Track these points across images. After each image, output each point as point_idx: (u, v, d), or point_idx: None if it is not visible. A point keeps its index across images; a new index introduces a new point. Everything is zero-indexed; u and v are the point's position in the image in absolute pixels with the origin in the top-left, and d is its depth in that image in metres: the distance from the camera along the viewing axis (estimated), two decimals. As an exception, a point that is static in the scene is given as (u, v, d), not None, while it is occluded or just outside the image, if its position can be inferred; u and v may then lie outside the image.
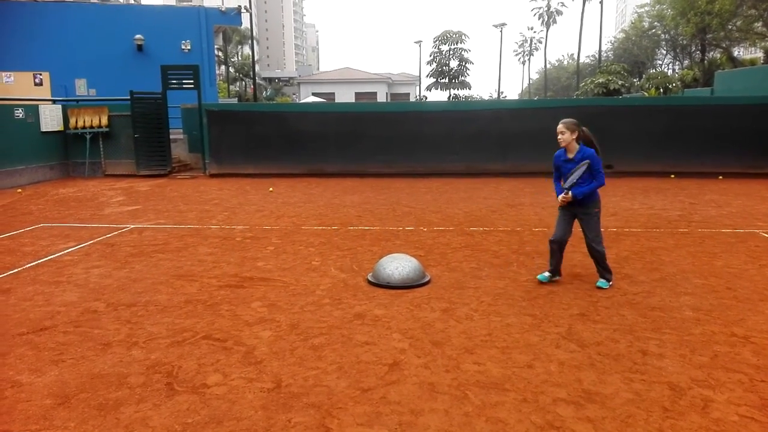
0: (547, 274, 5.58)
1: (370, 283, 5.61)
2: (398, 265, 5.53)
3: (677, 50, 54.37)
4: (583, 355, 3.93)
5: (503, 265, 6.27)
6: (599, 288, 5.38)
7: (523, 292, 5.32)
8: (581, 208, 5.37)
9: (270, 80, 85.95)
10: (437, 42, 57.11)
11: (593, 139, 5.37)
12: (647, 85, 40.99)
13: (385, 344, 4.15)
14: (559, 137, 5.26)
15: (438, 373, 3.68)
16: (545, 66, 77.91)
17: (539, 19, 74.31)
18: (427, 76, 59.10)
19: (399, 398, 3.36)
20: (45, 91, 20.43)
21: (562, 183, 5.35)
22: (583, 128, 5.34)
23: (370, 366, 3.79)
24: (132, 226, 8.63)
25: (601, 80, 39.85)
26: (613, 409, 3.21)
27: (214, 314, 4.81)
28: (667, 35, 53.57)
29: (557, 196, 5.37)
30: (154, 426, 3.09)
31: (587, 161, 5.20)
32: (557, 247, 5.46)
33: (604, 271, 5.48)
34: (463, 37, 56.52)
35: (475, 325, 4.49)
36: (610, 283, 5.46)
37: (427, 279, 5.66)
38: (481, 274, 5.93)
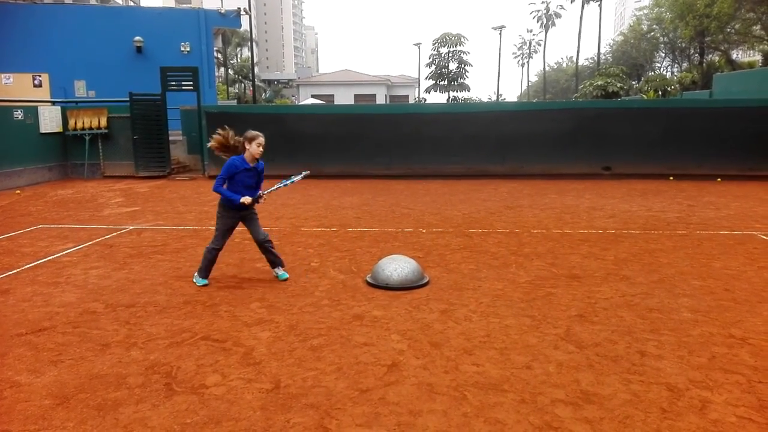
0: (206, 281, 5.72)
1: (368, 284, 5.61)
2: (397, 267, 5.54)
3: (676, 53, 54.49)
4: (582, 356, 3.94)
5: (502, 266, 6.28)
6: (283, 279, 5.75)
7: (522, 293, 5.33)
8: (249, 210, 5.62)
9: (269, 82, 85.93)
10: (436, 44, 57.13)
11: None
12: (646, 88, 41.06)
13: (384, 345, 4.15)
14: (261, 150, 5.42)
15: (437, 374, 3.69)
16: (544, 68, 78.04)
17: (538, 21, 74.45)
18: (426, 78, 59.13)
19: (398, 399, 3.37)
20: (44, 93, 20.44)
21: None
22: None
23: (369, 367, 3.80)
24: (131, 228, 8.63)
25: (599, 83, 39.94)
26: (611, 410, 3.22)
27: (212, 315, 4.81)
28: (665, 38, 53.70)
29: (241, 202, 5.41)
30: (153, 426, 3.09)
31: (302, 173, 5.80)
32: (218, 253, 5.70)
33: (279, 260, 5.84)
34: (462, 39, 56.53)
35: (474, 327, 4.50)
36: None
37: (425, 280, 5.67)
38: (480, 275, 5.94)
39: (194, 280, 5.72)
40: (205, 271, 5.70)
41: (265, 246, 5.71)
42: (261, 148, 5.42)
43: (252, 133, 5.43)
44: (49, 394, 3.46)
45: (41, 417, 3.20)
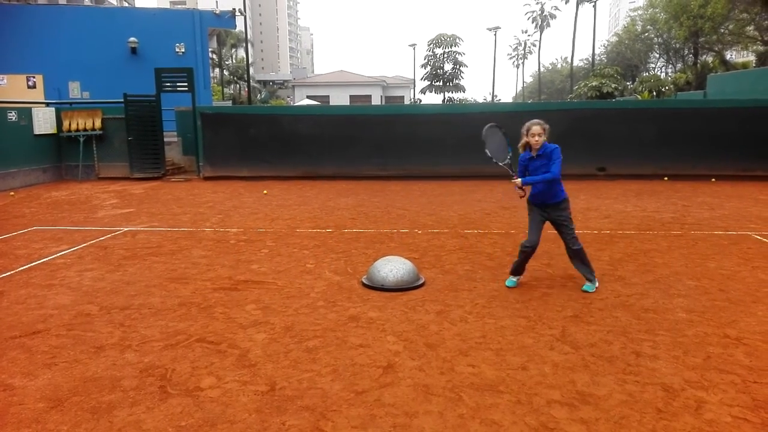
0: (513, 279, 5.59)
1: (364, 285, 5.61)
2: (392, 268, 5.53)
3: (670, 53, 54.69)
4: (577, 356, 3.94)
5: (497, 267, 6.28)
6: (585, 291, 5.36)
7: (517, 294, 5.33)
8: (553, 209, 5.33)
9: (264, 83, 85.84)
10: (431, 45, 57.19)
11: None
12: (640, 88, 41.23)
13: (380, 347, 4.15)
14: (536, 138, 5.31)
15: (432, 375, 3.68)
16: (539, 69, 78.14)
17: (533, 22, 74.47)
18: (422, 79, 59.19)
19: (393, 400, 3.36)
20: (38, 94, 20.40)
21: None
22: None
23: (365, 368, 3.79)
24: (125, 229, 8.60)
25: (594, 83, 40.05)
26: (606, 410, 3.22)
27: (208, 317, 4.80)
28: (660, 39, 53.90)
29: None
30: (148, 429, 3.07)
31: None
32: (531, 251, 5.43)
33: (589, 271, 5.43)
34: (458, 40, 56.60)
35: (470, 328, 4.50)
36: (595, 285, 5.41)
37: (421, 281, 5.66)
38: (476, 276, 5.94)
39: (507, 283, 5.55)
40: (515, 269, 5.54)
41: (575, 254, 5.38)
42: (535, 137, 5.28)
43: (526, 125, 5.38)
44: (43, 397, 3.44)
45: (35, 420, 3.18)
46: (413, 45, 65.93)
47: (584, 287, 5.39)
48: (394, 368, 3.79)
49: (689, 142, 14.17)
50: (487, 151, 5.78)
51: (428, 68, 57.97)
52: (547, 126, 5.36)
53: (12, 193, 12.85)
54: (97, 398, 3.42)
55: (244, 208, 10.43)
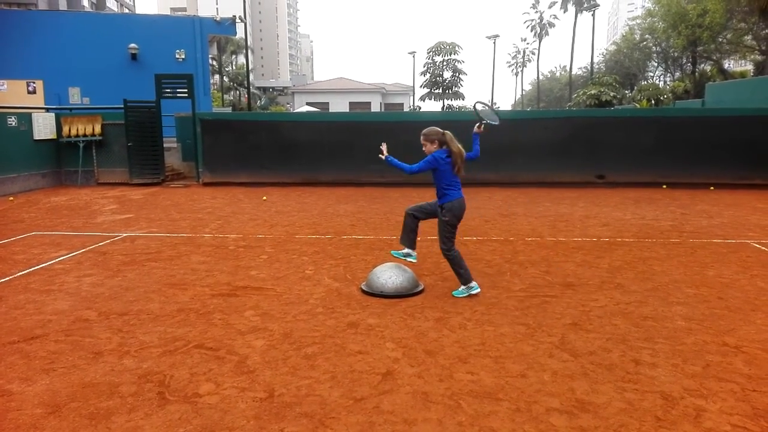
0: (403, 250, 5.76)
1: (363, 292, 5.60)
2: (392, 275, 5.54)
3: (668, 62, 54.94)
4: (576, 364, 3.94)
5: (496, 274, 6.29)
6: (454, 296, 5.45)
7: (516, 301, 5.33)
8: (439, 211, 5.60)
9: (264, 90, 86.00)
10: (431, 53, 57.34)
11: (450, 142, 5.43)
12: (639, 97, 41.41)
13: (379, 353, 4.14)
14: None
15: (431, 382, 3.68)
16: (538, 77, 78.40)
17: (532, 31, 74.77)
18: (421, 86, 59.25)
19: (392, 408, 3.35)
20: (38, 99, 20.45)
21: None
22: (445, 133, 5.49)
23: (364, 375, 3.78)
24: (124, 235, 8.59)
25: (593, 92, 40.22)
26: (605, 418, 3.22)
27: (206, 323, 4.79)
28: (658, 47, 54.17)
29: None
30: (146, 435, 3.06)
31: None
32: (409, 219, 5.81)
33: (458, 276, 5.53)
34: (457, 48, 56.76)
35: (469, 335, 4.49)
36: (467, 292, 5.45)
37: (420, 288, 5.66)
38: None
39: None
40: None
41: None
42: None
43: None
44: (41, 402, 3.43)
45: (33, 426, 3.17)
46: (413, 53, 66.15)
47: (453, 292, 5.53)
48: (393, 375, 3.78)
49: (687, 151, 14.20)
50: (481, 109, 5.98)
51: (427, 76, 58.10)
52: (429, 132, 5.54)
53: (11, 198, 12.84)
54: (95, 404, 3.41)
55: (243, 214, 10.43)
